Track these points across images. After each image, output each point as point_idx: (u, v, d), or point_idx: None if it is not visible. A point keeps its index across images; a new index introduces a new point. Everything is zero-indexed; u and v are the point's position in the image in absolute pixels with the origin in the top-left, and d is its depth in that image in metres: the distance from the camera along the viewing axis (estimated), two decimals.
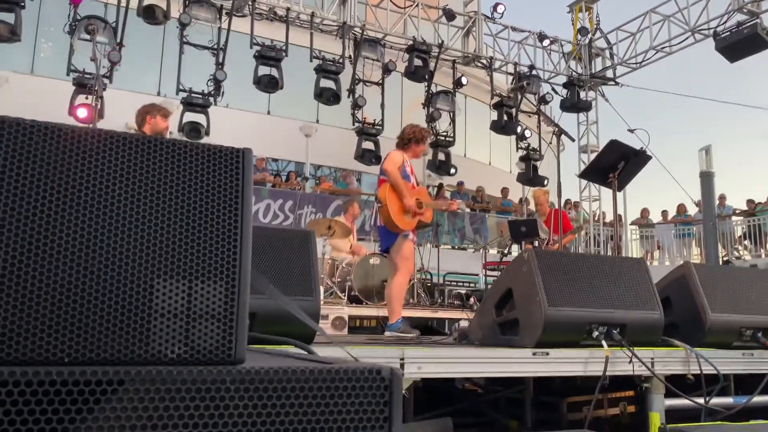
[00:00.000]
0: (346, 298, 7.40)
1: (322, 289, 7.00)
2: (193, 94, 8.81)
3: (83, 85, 8.02)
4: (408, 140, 5.13)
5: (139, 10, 8.43)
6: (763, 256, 13.88)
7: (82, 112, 7.82)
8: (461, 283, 9.72)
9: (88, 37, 7.82)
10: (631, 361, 3.07)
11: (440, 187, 12.35)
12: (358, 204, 9.38)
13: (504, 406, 4.14)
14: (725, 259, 13.49)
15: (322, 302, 5.05)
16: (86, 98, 7.95)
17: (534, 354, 3.04)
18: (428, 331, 7.78)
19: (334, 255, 8.15)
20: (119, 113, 7.92)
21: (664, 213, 16.04)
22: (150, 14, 8.45)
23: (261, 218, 11.68)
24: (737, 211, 14.88)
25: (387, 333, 4.83)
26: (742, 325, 3.71)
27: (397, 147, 5.18)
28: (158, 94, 13.85)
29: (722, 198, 14.55)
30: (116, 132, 1.11)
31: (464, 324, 4.32)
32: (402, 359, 2.71)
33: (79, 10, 8.17)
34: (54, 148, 1.04)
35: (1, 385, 0.84)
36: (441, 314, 7.88)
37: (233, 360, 1.05)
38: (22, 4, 7.91)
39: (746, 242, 14.55)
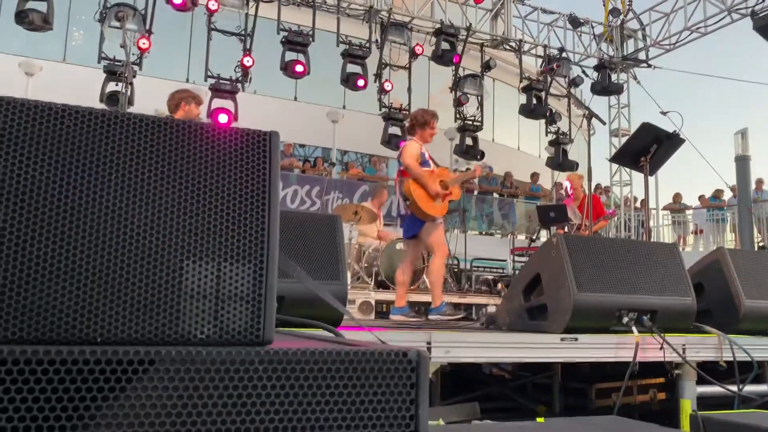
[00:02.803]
0: (372, 283, 7.43)
1: (349, 274, 7.04)
2: (221, 81, 8.87)
3: (114, 72, 8.13)
4: (412, 126, 5.21)
5: None
6: None
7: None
8: (489, 269, 9.67)
9: (118, 24, 7.92)
10: (662, 348, 3.03)
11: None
12: (386, 191, 9.38)
13: (531, 392, 4.13)
14: (761, 244, 13.16)
15: (349, 287, 5.08)
16: (116, 85, 8.06)
17: (562, 339, 3.01)
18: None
19: (361, 240, 8.17)
20: (149, 100, 8.00)
21: (701, 197, 15.69)
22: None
23: (289, 204, 11.76)
24: None
25: (432, 317, 4.88)
26: None
27: (408, 134, 5.28)
28: (187, 80, 14.00)
29: (760, 182, 14.17)
30: (146, 115, 1.12)
31: (492, 309, 4.31)
32: (429, 343, 2.71)
33: None
34: (85, 132, 1.05)
35: (36, 363, 0.86)
36: (468, 300, 7.86)
37: (261, 341, 1.06)
38: None
39: None
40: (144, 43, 8.17)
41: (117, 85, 8.08)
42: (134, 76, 7.97)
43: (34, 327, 0.95)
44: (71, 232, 1.00)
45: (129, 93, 7.93)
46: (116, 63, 8.17)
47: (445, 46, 10.25)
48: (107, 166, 1.05)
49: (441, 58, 10.34)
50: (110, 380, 0.89)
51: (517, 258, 9.23)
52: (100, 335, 0.98)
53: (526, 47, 11.57)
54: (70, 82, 11.86)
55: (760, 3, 9.94)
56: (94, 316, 0.98)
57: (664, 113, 5.37)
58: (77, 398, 0.87)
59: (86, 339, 0.97)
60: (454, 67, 10.58)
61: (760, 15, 9.65)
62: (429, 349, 2.69)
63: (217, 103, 8.83)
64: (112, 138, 1.07)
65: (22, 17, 7.87)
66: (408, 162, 4.96)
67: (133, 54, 7.98)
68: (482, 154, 10.70)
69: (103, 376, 0.89)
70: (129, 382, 0.90)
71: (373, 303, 6.55)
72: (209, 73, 8.84)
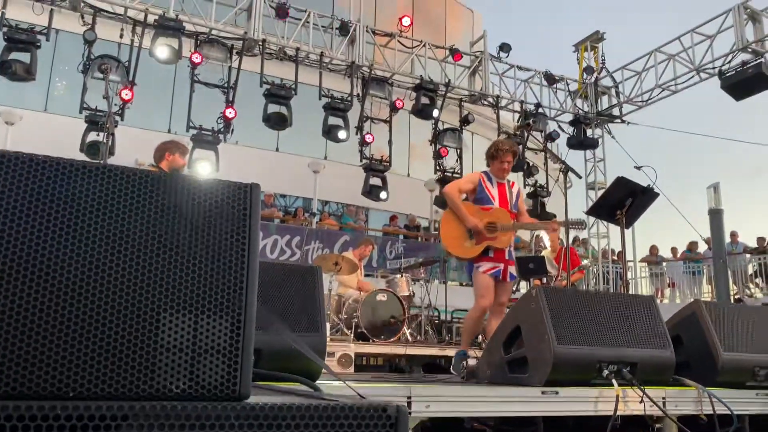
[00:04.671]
0: (352, 334, 7.34)
1: (328, 325, 6.96)
2: (203, 132, 8.93)
3: (95, 122, 8.16)
4: (486, 158, 4.84)
5: (151, 49, 8.62)
6: None
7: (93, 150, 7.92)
8: None
9: (101, 75, 7.98)
10: (642, 401, 3.02)
11: None
12: (372, 247, 9.39)
13: None
14: (737, 297, 13.32)
15: (328, 339, 5.00)
16: (97, 135, 8.07)
17: (543, 393, 2.99)
18: (436, 369, 7.68)
19: (341, 291, 8.12)
20: (130, 150, 8.03)
21: (674, 250, 15.94)
22: (162, 53, 8.63)
23: (268, 254, 11.69)
24: (747, 249, 14.76)
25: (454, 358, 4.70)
26: (755, 365, 3.64)
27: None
28: (169, 131, 14.05)
29: (734, 235, 14.46)
30: (126, 168, 1.12)
31: (472, 362, 4.26)
32: (409, 397, 2.67)
33: (93, 50, 8.36)
34: (64, 183, 1.05)
35: (6, 419, 0.84)
36: (449, 352, 7.78)
37: (238, 396, 1.04)
38: (38, 44, 8.11)
39: (758, 280, 14.39)
40: (127, 94, 8.24)
41: (98, 135, 8.09)
42: (116, 127, 7.99)
43: (5, 381, 0.92)
44: (45, 284, 0.99)
45: (110, 143, 7.94)
46: (98, 113, 8.21)
47: (424, 100, 10.49)
48: (86, 218, 1.05)
49: (421, 112, 10.57)
50: None
51: None
52: (73, 390, 0.95)
53: (503, 102, 11.87)
54: (51, 131, 11.83)
55: (727, 63, 10.36)
56: (66, 370, 0.96)
57: (638, 168, 5.50)
58: None
59: (58, 394, 0.94)
60: (433, 121, 10.80)
61: (727, 75, 10.05)
62: (409, 403, 2.65)
63: (199, 153, 8.87)
64: (92, 190, 1.07)
65: (5, 68, 7.92)
66: (445, 188, 4.68)
67: (115, 104, 8.02)
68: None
69: None
70: None
71: (353, 355, 6.46)
72: (191, 124, 8.91)
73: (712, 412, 3.12)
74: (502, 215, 4.64)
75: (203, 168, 8.75)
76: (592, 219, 12.81)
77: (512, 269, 4.71)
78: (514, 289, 9.65)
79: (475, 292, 4.60)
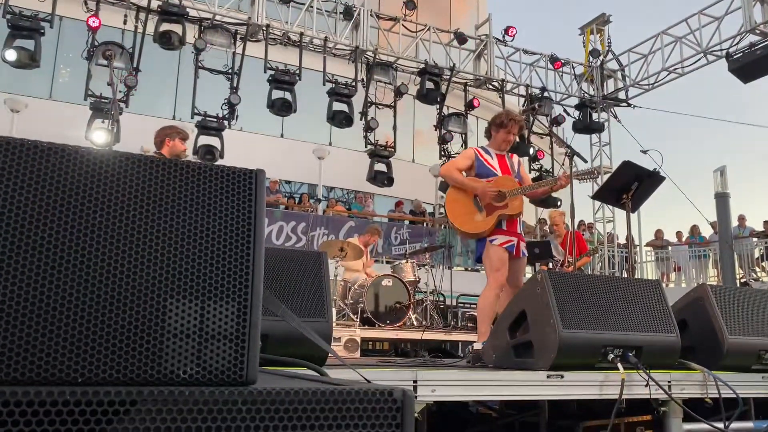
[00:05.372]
0: (358, 320, 7.38)
1: (334, 311, 6.99)
2: (207, 118, 8.93)
3: (100, 109, 8.16)
4: (488, 129, 4.61)
5: (155, 36, 8.59)
6: None
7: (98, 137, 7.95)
8: (474, 305, 9.66)
9: (105, 62, 7.98)
10: (647, 385, 3.02)
11: None
12: (379, 236, 9.39)
13: (519, 430, 4.08)
14: (743, 280, 13.29)
15: (334, 324, 5.01)
16: (103, 122, 8.08)
17: (548, 377, 3.00)
18: (442, 353, 7.72)
19: (347, 277, 8.14)
20: (135, 137, 8.01)
21: (679, 234, 15.89)
22: (166, 40, 8.61)
23: (274, 240, 11.73)
24: (754, 232, 14.71)
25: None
26: (761, 348, 3.65)
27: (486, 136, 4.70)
28: (173, 117, 14.05)
29: (742, 219, 14.39)
30: (131, 153, 1.12)
31: (478, 346, 4.25)
32: (415, 381, 2.69)
33: (97, 36, 8.34)
34: (69, 170, 1.05)
35: (15, 405, 0.85)
36: (454, 336, 7.82)
37: (245, 381, 1.05)
38: (42, 31, 8.10)
39: (764, 264, 14.34)
40: (131, 81, 8.23)
41: (103, 122, 8.10)
42: (121, 114, 7.99)
43: (13, 367, 0.93)
44: (52, 270, 0.99)
45: (115, 130, 7.95)
46: (103, 100, 8.21)
47: (429, 85, 10.43)
48: (91, 204, 1.05)
49: (425, 97, 10.52)
50: (90, 422, 0.87)
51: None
52: (81, 375, 0.96)
53: (508, 86, 11.79)
54: (56, 119, 11.85)
55: (735, 45, 10.25)
56: (74, 356, 0.97)
57: (644, 152, 5.47)
58: None
59: (66, 379, 0.95)
60: (438, 106, 10.75)
61: (735, 57, 9.95)
62: (415, 387, 2.66)
63: (204, 140, 8.87)
64: (97, 176, 1.07)
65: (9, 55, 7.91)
66: (442, 171, 4.51)
67: (120, 91, 8.02)
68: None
69: (83, 417, 0.87)
70: (110, 424, 0.88)
71: (359, 340, 6.50)
72: (196, 111, 8.90)
73: (717, 396, 3.13)
74: (506, 181, 4.42)
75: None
76: (597, 203, 12.78)
77: (524, 245, 4.50)
78: None
79: (489, 267, 4.31)
